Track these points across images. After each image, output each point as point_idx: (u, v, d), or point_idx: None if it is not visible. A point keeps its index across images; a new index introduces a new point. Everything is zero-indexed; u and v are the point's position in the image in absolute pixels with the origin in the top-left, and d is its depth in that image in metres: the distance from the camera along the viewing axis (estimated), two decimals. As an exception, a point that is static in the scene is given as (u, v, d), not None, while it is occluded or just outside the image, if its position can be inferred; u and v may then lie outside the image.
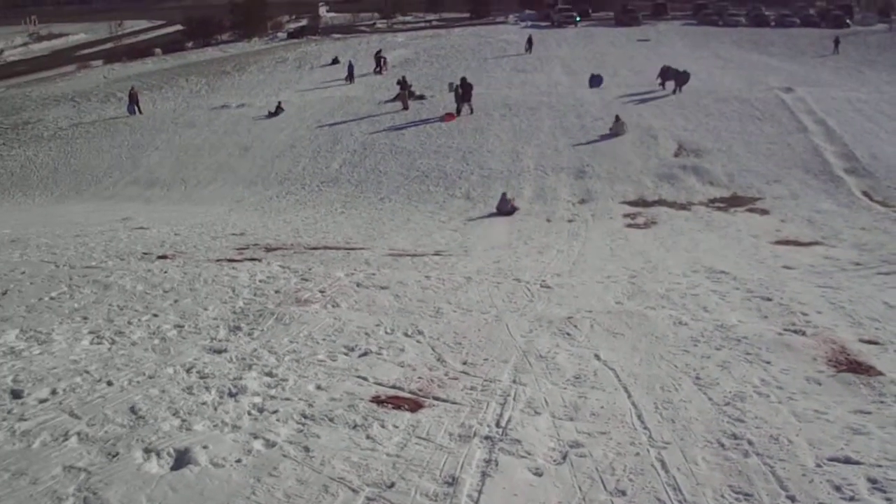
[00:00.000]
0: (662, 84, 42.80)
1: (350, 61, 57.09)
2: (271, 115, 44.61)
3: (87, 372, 7.91)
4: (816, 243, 20.75)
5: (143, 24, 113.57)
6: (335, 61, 64.81)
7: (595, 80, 46.69)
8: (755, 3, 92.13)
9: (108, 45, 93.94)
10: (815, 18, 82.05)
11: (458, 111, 39.39)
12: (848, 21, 79.82)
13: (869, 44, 67.09)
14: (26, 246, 17.60)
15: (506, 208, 28.06)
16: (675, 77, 41.82)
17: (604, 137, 35.27)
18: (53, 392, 7.35)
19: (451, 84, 43.32)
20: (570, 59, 59.56)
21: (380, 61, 58.08)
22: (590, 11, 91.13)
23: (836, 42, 64.08)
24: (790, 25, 79.16)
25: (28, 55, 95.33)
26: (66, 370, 7.96)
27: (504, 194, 28.78)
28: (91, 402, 7.07)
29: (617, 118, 36.45)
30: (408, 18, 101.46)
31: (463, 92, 39.65)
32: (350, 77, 53.72)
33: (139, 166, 38.23)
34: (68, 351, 8.68)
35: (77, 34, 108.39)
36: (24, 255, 15.98)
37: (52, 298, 11.37)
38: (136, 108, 48.72)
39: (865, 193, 27.82)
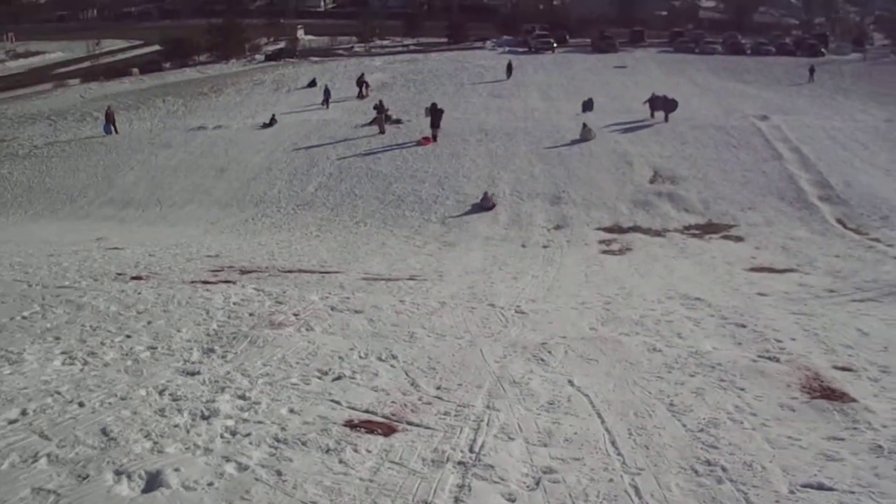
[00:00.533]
0: (652, 113, 42.62)
1: (326, 86, 56.68)
2: (266, 126, 46.11)
3: (59, 393, 7.85)
4: (791, 270, 20.88)
5: (121, 43, 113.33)
6: (312, 83, 64.78)
7: (587, 105, 46.95)
8: (731, 32, 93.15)
9: (86, 65, 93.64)
10: (791, 47, 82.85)
11: (435, 135, 39.44)
12: (823, 50, 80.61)
13: (843, 72, 67.79)
14: (-1, 265, 17.52)
15: (487, 205, 31.40)
16: (663, 106, 41.77)
17: (574, 142, 35.84)
18: (23, 413, 7.29)
19: (426, 108, 43.33)
20: (547, 85, 59.82)
21: (362, 86, 57.67)
22: (567, 38, 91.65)
23: (812, 70, 64.68)
24: (766, 54, 79.97)
25: (4, 73, 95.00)
26: (36, 391, 7.90)
27: (486, 193, 31.92)
28: (62, 424, 7.01)
29: (584, 125, 37.50)
30: (385, 42, 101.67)
31: (432, 117, 39.72)
32: (326, 102, 53.33)
33: (114, 186, 38.10)
34: (39, 371, 8.61)
35: (54, 52, 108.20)
36: (-3, 273, 15.89)
37: (24, 318, 11.29)
38: (112, 128, 48.60)
39: (840, 221, 28.02)
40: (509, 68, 64.09)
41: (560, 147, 37.47)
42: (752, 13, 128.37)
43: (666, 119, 41.07)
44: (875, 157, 35.70)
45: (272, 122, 47.12)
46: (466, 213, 30.42)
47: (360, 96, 55.90)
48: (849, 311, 14.41)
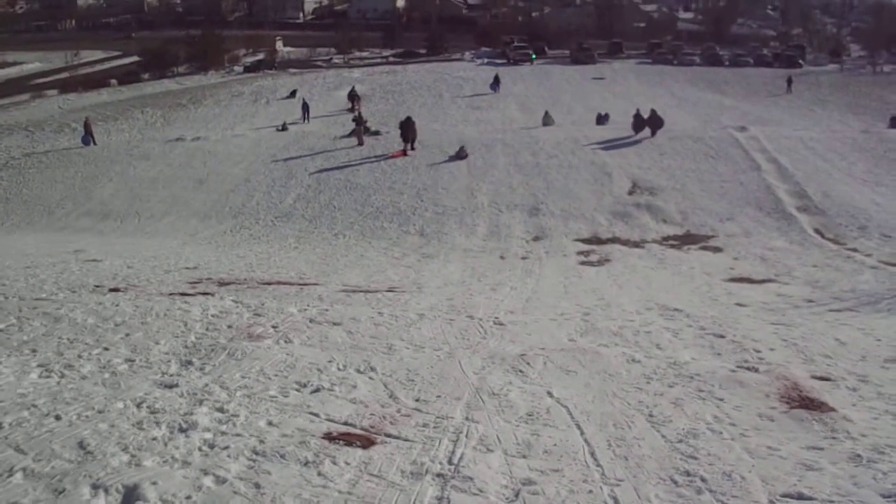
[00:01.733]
0: (636, 131, 41.82)
1: (304, 100, 56.11)
2: (281, 130, 47.91)
3: (35, 406, 7.79)
4: (769, 281, 20.99)
5: (100, 54, 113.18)
6: (293, 94, 64.80)
7: (601, 118, 47.14)
8: (709, 43, 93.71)
9: (64, 75, 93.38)
10: (769, 58, 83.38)
11: (405, 149, 39.48)
12: (800, 61, 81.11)
13: (821, 83, 68.39)
14: (-25, 277, 17.42)
15: (462, 154, 38.35)
16: (649, 123, 41.25)
17: (534, 126, 36.45)
18: (-1, 426, 7.25)
19: (400, 122, 43.29)
20: (526, 96, 60.09)
21: (353, 100, 56.95)
22: (546, 49, 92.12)
23: (789, 82, 65.13)
24: (744, 65, 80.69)
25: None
26: (12, 404, 7.85)
27: (461, 146, 38.56)
28: (38, 437, 6.96)
29: (546, 113, 41.48)
30: (364, 54, 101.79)
31: (402, 130, 39.72)
32: (305, 117, 52.79)
33: (92, 198, 37.97)
34: (16, 384, 8.55)
35: (32, 63, 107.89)
36: (-27, 286, 15.80)
37: (0, 331, 11.23)
38: (90, 139, 48.44)
39: (818, 231, 28.18)
40: (496, 81, 63.90)
41: (539, 158, 37.54)
42: (729, 25, 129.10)
43: (653, 135, 40.75)
44: (852, 167, 35.92)
45: (285, 127, 48.54)
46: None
47: (352, 110, 54.89)
48: (827, 320, 14.47)
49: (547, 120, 46.38)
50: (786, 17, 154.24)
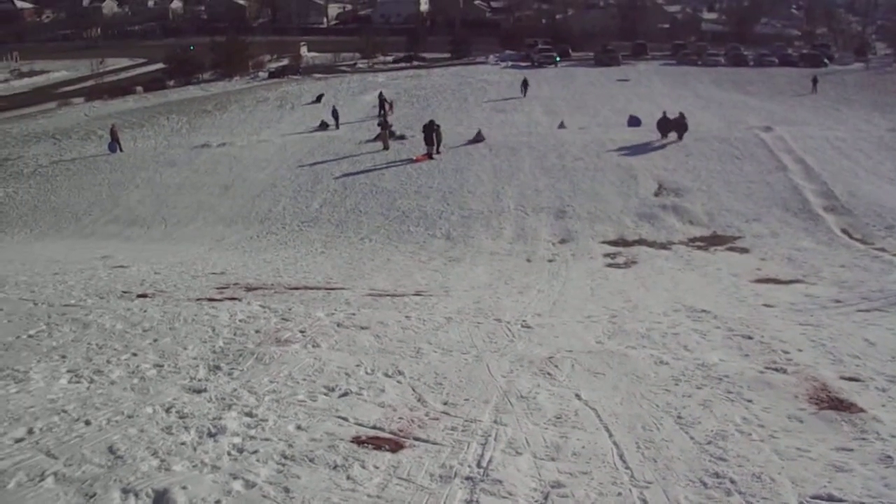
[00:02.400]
0: (664, 135, 41.10)
1: (334, 107, 55.28)
2: (319, 129, 50.65)
3: (65, 411, 7.84)
4: (796, 281, 20.83)
5: (125, 62, 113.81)
6: (319, 99, 64.84)
7: (633, 121, 47.04)
8: (733, 43, 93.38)
9: (90, 83, 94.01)
10: (794, 58, 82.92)
11: (430, 153, 39.47)
12: (826, 60, 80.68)
13: (846, 83, 67.92)
14: (4, 283, 17.50)
15: (480, 138, 41.22)
16: (675, 127, 40.56)
17: (469, 142, 37.03)
18: (30, 431, 7.28)
19: (423, 126, 43.11)
20: (550, 99, 60.00)
21: (383, 105, 55.85)
22: (570, 51, 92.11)
23: (815, 81, 64.72)
24: (769, 65, 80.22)
25: (9, 92, 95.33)
26: (43, 409, 7.89)
27: (479, 130, 42.36)
28: (68, 442, 7.00)
29: (561, 122, 43.84)
30: (388, 58, 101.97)
31: (426, 134, 39.70)
32: (335, 123, 52.19)
33: (119, 204, 38.14)
34: (46, 390, 8.60)
35: (59, 71, 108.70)
36: (3, 292, 15.88)
37: (30, 337, 11.29)
38: (117, 146, 48.68)
39: (845, 231, 27.98)
40: (525, 85, 63.47)
41: (565, 161, 37.47)
42: (753, 25, 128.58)
43: (680, 138, 40.07)
44: (879, 166, 35.68)
45: (323, 126, 51.01)
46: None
47: (381, 115, 53.32)
48: (855, 321, 14.37)
49: (561, 126, 46.79)
50: (810, 15, 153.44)
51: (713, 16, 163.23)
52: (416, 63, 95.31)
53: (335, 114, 53.03)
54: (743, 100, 60.22)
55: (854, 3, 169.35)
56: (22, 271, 20.72)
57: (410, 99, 62.40)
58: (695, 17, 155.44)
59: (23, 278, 18.84)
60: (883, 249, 25.35)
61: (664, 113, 42.21)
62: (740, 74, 73.96)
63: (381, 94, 58.95)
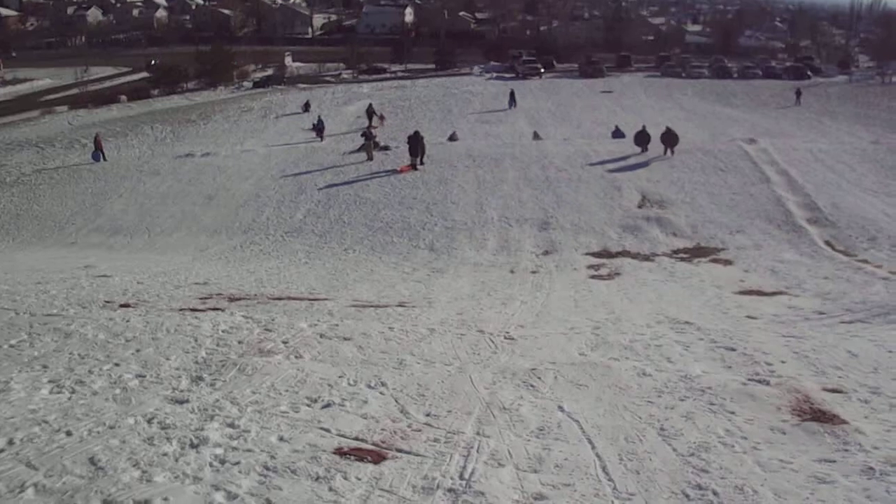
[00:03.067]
0: (643, 148, 40.62)
1: (320, 117, 54.95)
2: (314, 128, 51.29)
3: (46, 422, 7.81)
4: (780, 293, 20.88)
5: (109, 70, 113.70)
6: (307, 107, 64.87)
7: (618, 133, 47.12)
8: (718, 56, 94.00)
9: (74, 91, 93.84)
10: (778, 70, 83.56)
11: (414, 164, 39.52)
12: (809, 73, 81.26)
13: (830, 95, 68.49)
14: (-14, 293, 17.44)
15: (455, 137, 43.55)
16: (664, 140, 39.88)
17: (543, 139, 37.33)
18: (10, 442, 7.25)
19: (408, 136, 42.95)
20: (535, 110, 60.11)
21: (371, 116, 55.94)
22: (554, 63, 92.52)
23: (798, 93, 65.22)
24: (752, 77, 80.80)
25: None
26: (23, 420, 7.87)
27: (454, 132, 43.82)
28: (49, 453, 6.98)
29: (535, 133, 46.01)
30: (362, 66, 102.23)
31: (411, 145, 39.77)
32: (320, 135, 51.44)
33: (102, 214, 38.04)
34: (27, 400, 8.57)
35: (42, 79, 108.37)
36: (-16, 302, 15.82)
37: (11, 346, 11.24)
38: (100, 155, 48.57)
39: (828, 243, 28.07)
40: (512, 97, 63.61)
41: (548, 172, 37.55)
42: (737, 37, 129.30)
43: (670, 153, 39.61)
44: (862, 178, 35.87)
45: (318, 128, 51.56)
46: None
47: (371, 128, 52.16)
48: (838, 332, 14.41)
49: (536, 137, 47.21)
50: (794, 28, 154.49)
51: (697, 28, 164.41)
52: (451, 70, 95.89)
53: (320, 125, 52.40)
54: (727, 112, 60.60)
55: (838, 16, 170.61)
56: (3, 280, 20.63)
57: (395, 110, 62.51)
58: (679, 29, 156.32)
59: (4, 287, 18.76)
60: (865, 261, 25.44)
61: (643, 126, 41.92)
62: (724, 87, 74.45)
63: (370, 107, 58.74)
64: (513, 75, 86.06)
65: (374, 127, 53.03)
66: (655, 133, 40.27)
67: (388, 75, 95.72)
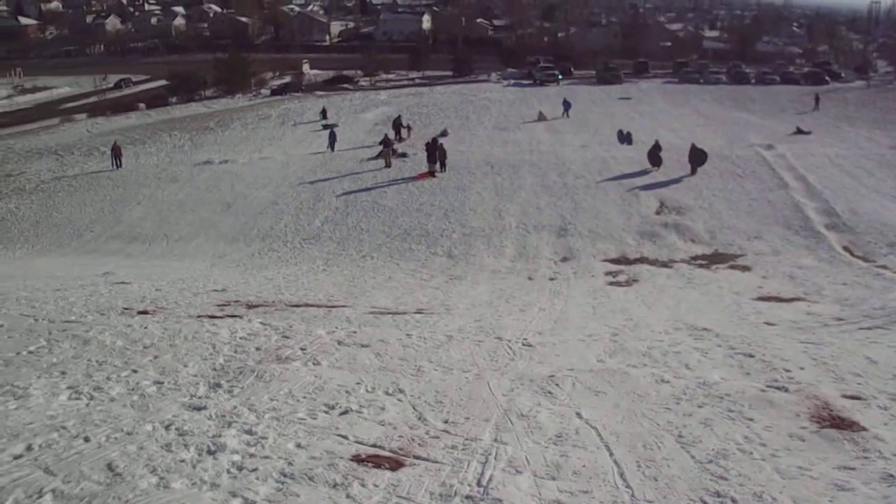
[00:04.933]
0: (656, 164, 39.25)
1: (333, 130, 54.04)
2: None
3: (64, 428, 7.81)
4: (798, 299, 20.79)
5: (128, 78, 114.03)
6: (324, 114, 64.90)
7: (624, 138, 46.87)
8: (735, 61, 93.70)
9: (93, 99, 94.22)
10: (796, 76, 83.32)
11: (432, 171, 39.52)
12: (827, 78, 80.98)
13: (848, 100, 68.15)
14: (5, 299, 17.48)
15: (445, 133, 43.38)
16: (691, 159, 38.15)
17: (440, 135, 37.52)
18: (29, 448, 7.25)
19: (425, 144, 42.73)
20: (552, 116, 59.94)
21: (399, 129, 54.28)
22: (572, 70, 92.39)
23: (817, 99, 64.95)
24: (770, 83, 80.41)
25: (12, 108, 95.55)
26: (42, 426, 7.87)
27: (445, 129, 45.06)
28: (67, 459, 6.98)
29: (540, 113, 44.74)
30: (391, 76, 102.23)
31: (429, 152, 39.80)
32: (331, 146, 50.63)
33: (121, 221, 38.17)
34: (45, 406, 8.58)
35: (62, 88, 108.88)
36: (3, 308, 15.86)
37: (30, 352, 11.26)
38: (118, 163, 48.69)
39: (846, 249, 27.95)
40: (566, 105, 61.76)
41: (566, 179, 37.51)
42: (755, 43, 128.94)
43: (693, 172, 37.90)
44: (881, 184, 35.75)
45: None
46: (469, 181, 30.37)
47: (399, 139, 52.09)
48: (857, 339, 14.35)
49: (541, 117, 47.00)
50: (812, 33, 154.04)
51: (715, 34, 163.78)
52: (469, 77, 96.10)
53: (332, 137, 51.71)
54: (745, 117, 60.41)
55: (855, 21, 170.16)
56: (23, 287, 20.69)
57: (412, 117, 62.46)
58: (697, 35, 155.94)
59: (24, 294, 18.83)
60: (885, 267, 25.33)
61: (656, 141, 40.69)
62: (742, 92, 74.25)
63: (398, 119, 57.38)
64: (530, 82, 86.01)
65: (403, 139, 52.43)
66: (674, 144, 39.90)
67: (405, 82, 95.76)
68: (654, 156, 39.50)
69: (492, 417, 8.69)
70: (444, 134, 43.11)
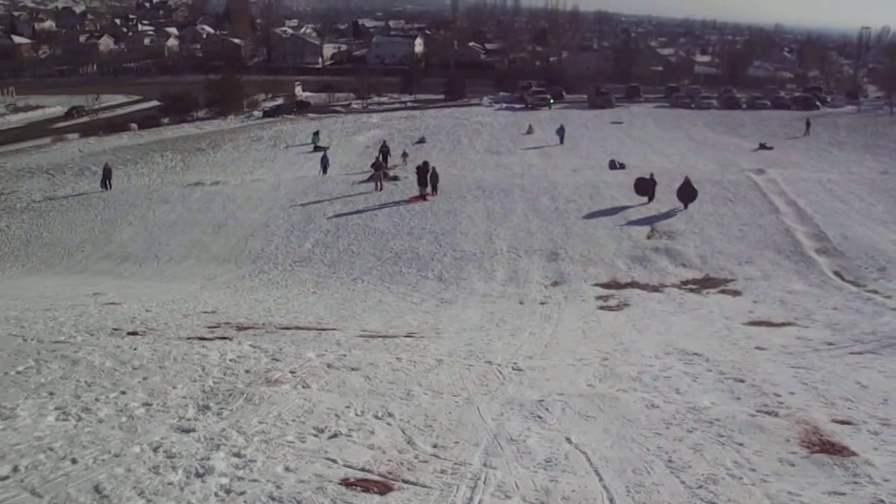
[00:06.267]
0: (647, 195, 37.78)
1: (325, 154, 54.39)
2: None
3: (52, 449, 7.79)
4: (789, 324, 20.81)
5: (120, 98, 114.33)
6: (316, 135, 64.98)
7: (615, 166, 47.14)
8: (727, 86, 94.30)
9: (85, 119, 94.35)
10: (786, 101, 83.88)
11: (424, 194, 39.55)
12: (818, 103, 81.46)
13: (838, 125, 68.58)
14: (-6, 320, 17.46)
15: (423, 140, 44.14)
16: (681, 194, 36.64)
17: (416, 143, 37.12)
18: (15, 469, 7.22)
19: (416, 167, 42.59)
20: (544, 141, 60.13)
21: (386, 156, 52.87)
22: (563, 94, 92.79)
23: (808, 124, 65.43)
24: (761, 107, 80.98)
25: (4, 126, 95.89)
26: (29, 447, 7.84)
27: (423, 136, 45.35)
28: (54, 481, 6.95)
29: (529, 126, 40.91)
30: (383, 99, 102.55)
31: (420, 175, 39.84)
32: (324, 170, 51.12)
33: (112, 241, 38.11)
34: (33, 427, 8.55)
35: (54, 107, 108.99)
36: (-8, 328, 15.83)
37: (18, 373, 11.22)
38: (108, 184, 48.61)
39: (837, 273, 27.99)
40: (561, 132, 61.35)
41: (557, 203, 37.56)
42: (746, 67, 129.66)
43: (684, 208, 36.38)
44: (871, 208, 35.86)
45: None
46: (460, 203, 30.34)
47: (386, 165, 49.80)
48: (847, 363, 14.37)
49: (530, 130, 47.30)
50: (802, 58, 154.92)
51: (706, 59, 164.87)
52: (461, 100, 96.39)
53: (325, 161, 52.16)
54: (736, 142, 60.71)
55: (846, 46, 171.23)
56: (12, 306, 20.66)
57: (404, 140, 62.64)
58: (688, 59, 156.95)
59: (13, 313, 18.79)
60: (875, 291, 25.37)
61: (651, 175, 38.93)
62: (733, 117, 74.67)
63: (384, 144, 56.58)
64: (522, 106, 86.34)
65: (396, 166, 51.78)
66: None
67: (397, 105, 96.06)
68: (647, 187, 38.01)
69: (481, 442, 8.68)
70: (421, 141, 42.71)
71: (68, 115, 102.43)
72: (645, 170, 41.84)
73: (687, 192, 36.60)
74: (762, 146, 57.94)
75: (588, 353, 15.54)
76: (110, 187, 48.67)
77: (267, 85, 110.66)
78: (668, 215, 35.12)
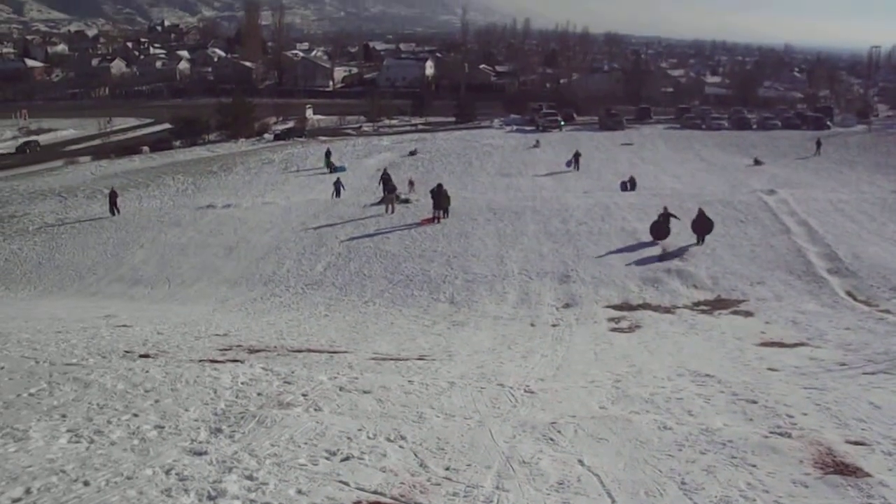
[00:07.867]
0: (662, 237, 35.31)
1: (339, 178, 54.06)
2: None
3: (64, 471, 7.80)
4: (801, 344, 20.74)
5: (132, 121, 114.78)
6: (328, 155, 65.00)
7: (627, 185, 47.16)
8: (737, 107, 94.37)
9: (97, 142, 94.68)
10: (797, 121, 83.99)
11: (437, 216, 39.55)
12: (828, 122, 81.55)
13: (849, 145, 68.60)
14: (6, 341, 17.47)
15: (414, 151, 44.49)
16: (696, 227, 34.67)
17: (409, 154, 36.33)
18: (27, 491, 7.24)
19: (430, 190, 42.53)
20: (555, 163, 60.17)
21: (387, 183, 50.22)
22: (574, 116, 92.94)
23: (819, 144, 65.49)
24: (772, 128, 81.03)
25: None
26: (41, 469, 7.85)
27: (415, 149, 45.13)
28: (66, 503, 6.95)
29: (537, 141, 40.75)
30: (394, 122, 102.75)
31: (435, 198, 39.81)
32: (337, 193, 51.21)
33: (123, 264, 38.18)
34: (45, 449, 8.56)
35: (66, 130, 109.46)
36: (5, 350, 15.85)
37: (30, 395, 11.25)
38: (115, 209, 48.30)
39: (849, 293, 27.88)
40: (576, 157, 60.42)
41: (569, 225, 37.55)
42: (756, 88, 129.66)
43: (700, 241, 34.41)
44: (883, 228, 35.78)
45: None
46: (473, 228, 30.25)
47: (388, 192, 48.21)
48: (860, 384, 14.32)
49: (536, 144, 47.46)
50: (812, 78, 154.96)
51: (717, 79, 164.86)
52: (472, 123, 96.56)
53: (339, 185, 52.26)
54: (746, 163, 60.72)
55: (856, 66, 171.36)
56: (24, 329, 20.69)
57: (415, 163, 62.76)
58: (698, 80, 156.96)
59: (25, 336, 18.82)
60: (888, 311, 25.27)
61: (664, 209, 36.29)
62: (744, 138, 74.73)
63: (384, 172, 53.73)
64: (533, 128, 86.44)
65: (401, 193, 50.86)
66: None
67: (408, 128, 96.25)
68: (662, 228, 35.46)
69: (493, 464, 8.66)
70: (413, 153, 42.39)
71: (19, 150, 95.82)
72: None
73: (702, 225, 35.01)
74: (756, 162, 60.10)
75: (600, 375, 15.50)
76: (118, 212, 48.51)
77: (278, 108, 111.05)
78: (679, 235, 34.95)
